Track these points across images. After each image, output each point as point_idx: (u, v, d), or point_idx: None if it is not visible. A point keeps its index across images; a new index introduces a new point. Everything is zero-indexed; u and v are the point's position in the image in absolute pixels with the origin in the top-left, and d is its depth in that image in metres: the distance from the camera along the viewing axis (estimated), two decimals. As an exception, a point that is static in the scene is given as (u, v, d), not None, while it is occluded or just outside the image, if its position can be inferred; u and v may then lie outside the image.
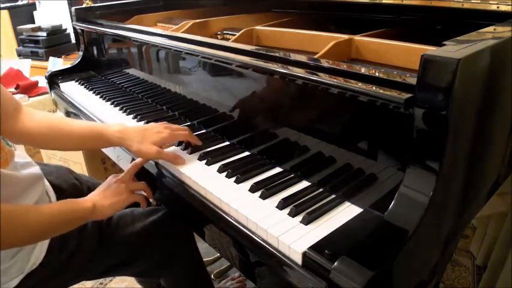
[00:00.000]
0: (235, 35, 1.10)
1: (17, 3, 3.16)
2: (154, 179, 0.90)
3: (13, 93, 2.18)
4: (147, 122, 1.07)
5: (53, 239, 0.82)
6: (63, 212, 0.76)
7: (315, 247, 0.57)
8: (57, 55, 2.63)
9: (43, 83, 2.22)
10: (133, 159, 0.96)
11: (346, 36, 0.90)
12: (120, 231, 0.91)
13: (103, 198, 0.83)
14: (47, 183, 0.92)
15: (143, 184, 0.91)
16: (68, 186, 1.01)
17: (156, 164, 0.90)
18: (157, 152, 0.83)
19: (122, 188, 0.86)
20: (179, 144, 0.94)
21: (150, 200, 0.96)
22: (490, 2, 0.82)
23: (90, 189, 1.05)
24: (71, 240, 0.84)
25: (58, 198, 0.94)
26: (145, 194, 0.91)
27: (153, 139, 0.84)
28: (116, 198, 0.84)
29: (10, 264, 0.77)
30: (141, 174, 0.96)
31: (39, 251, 0.81)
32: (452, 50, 0.54)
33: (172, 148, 0.93)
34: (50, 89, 1.55)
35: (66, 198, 0.92)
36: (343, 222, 0.63)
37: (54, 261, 0.83)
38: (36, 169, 0.86)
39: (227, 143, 0.94)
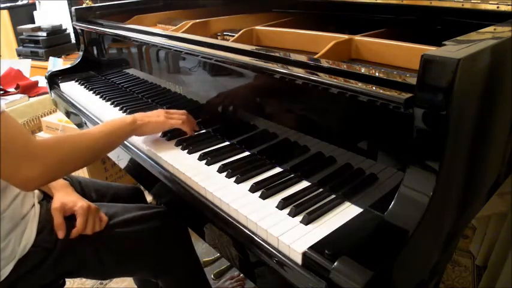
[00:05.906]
0: (234, 36, 1.10)
1: (17, 3, 3.16)
2: (154, 178, 0.90)
3: (13, 93, 2.18)
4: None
5: (41, 222, 0.84)
6: (111, 130, 0.86)
7: (315, 247, 0.57)
8: (57, 55, 2.63)
9: (43, 83, 2.22)
10: (132, 159, 0.96)
11: (346, 36, 0.90)
12: (112, 226, 0.91)
13: (144, 116, 0.92)
14: None
15: (183, 113, 0.97)
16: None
17: (156, 163, 0.90)
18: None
19: (160, 112, 0.95)
20: (179, 144, 0.94)
21: (150, 198, 0.95)
22: (490, 2, 0.82)
23: (81, 184, 1.06)
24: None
25: (47, 196, 0.94)
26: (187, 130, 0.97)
27: None
28: (155, 119, 0.93)
29: (4, 244, 0.78)
30: (141, 173, 0.96)
31: (29, 232, 0.82)
32: (452, 50, 0.54)
33: (172, 147, 0.93)
34: (50, 89, 1.55)
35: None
36: (343, 222, 0.63)
37: (44, 244, 0.84)
38: None
39: (227, 143, 0.94)
